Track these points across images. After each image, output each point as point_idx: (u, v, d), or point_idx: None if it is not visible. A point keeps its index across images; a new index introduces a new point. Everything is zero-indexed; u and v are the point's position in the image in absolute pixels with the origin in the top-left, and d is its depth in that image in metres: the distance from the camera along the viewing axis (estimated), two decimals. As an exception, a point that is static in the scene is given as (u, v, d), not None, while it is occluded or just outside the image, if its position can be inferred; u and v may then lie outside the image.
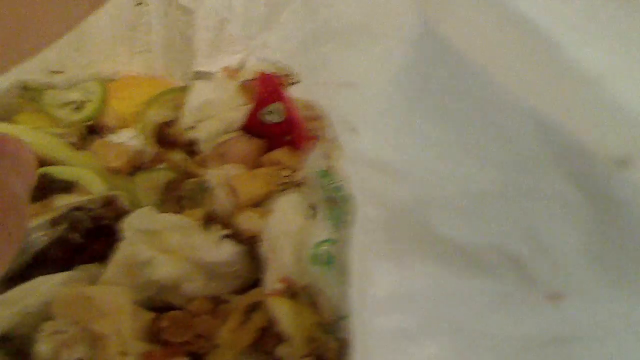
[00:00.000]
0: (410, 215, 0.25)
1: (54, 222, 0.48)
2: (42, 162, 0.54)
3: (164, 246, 0.44)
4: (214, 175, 0.48)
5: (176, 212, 0.49)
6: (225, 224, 0.47)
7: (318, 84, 0.35)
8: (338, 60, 0.31)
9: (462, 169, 0.25)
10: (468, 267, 0.24)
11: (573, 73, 0.21)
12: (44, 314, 0.43)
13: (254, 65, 0.61)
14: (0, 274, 0.23)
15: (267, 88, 0.50)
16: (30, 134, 0.56)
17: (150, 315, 0.44)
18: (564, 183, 0.23)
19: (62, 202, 0.50)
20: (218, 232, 0.45)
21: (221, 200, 0.47)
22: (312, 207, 0.45)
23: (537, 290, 0.23)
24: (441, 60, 0.25)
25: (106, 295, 0.43)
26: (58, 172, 0.53)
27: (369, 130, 0.27)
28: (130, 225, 0.44)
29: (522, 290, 0.24)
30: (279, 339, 0.43)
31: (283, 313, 0.40)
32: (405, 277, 0.26)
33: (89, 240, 0.49)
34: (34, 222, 0.47)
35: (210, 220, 0.48)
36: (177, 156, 0.58)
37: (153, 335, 0.43)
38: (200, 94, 0.57)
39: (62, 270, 0.46)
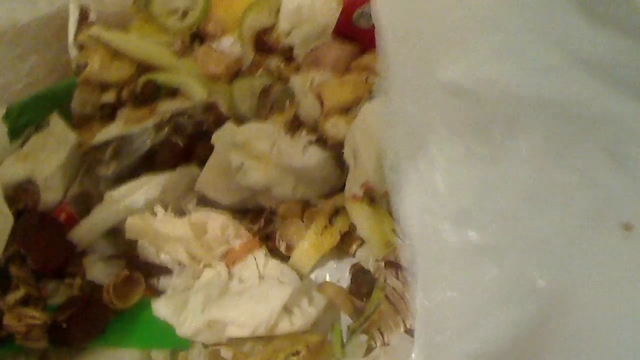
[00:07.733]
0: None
1: (159, 126, 0.51)
2: (149, 69, 0.58)
3: (253, 153, 0.46)
4: (298, 81, 0.49)
5: (268, 117, 0.50)
6: (313, 130, 0.48)
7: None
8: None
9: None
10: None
11: None
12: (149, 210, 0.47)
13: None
14: None
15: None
16: (140, 43, 0.59)
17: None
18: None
19: (166, 107, 0.53)
20: (305, 138, 0.46)
21: (306, 106, 0.47)
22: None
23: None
24: None
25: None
26: (163, 78, 0.56)
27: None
28: (219, 139, 0.46)
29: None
30: (362, 242, 0.45)
31: (361, 217, 0.41)
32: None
33: (190, 144, 0.52)
34: (140, 126, 0.51)
35: (298, 126, 0.48)
36: (274, 62, 0.58)
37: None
38: (294, -1, 0.57)
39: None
